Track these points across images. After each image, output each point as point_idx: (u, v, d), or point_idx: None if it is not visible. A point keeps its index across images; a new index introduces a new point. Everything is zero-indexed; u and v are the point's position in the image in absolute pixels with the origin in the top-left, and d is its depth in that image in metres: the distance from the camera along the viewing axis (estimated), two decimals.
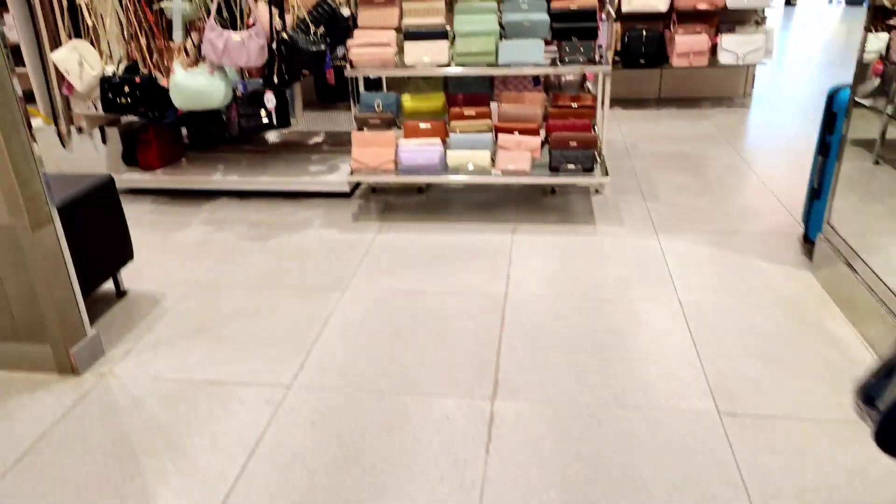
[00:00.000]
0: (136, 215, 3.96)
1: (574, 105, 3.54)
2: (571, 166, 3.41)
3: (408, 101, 3.63)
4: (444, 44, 3.42)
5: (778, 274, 2.98)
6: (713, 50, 5.41)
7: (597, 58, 3.37)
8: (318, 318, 2.79)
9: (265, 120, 3.69)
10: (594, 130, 3.57)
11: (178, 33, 3.62)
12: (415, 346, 2.57)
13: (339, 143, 4.61)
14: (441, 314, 2.78)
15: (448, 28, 3.48)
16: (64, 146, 4.26)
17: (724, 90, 6.13)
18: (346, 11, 3.65)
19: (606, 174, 3.48)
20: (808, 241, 3.11)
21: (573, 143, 3.38)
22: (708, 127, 5.31)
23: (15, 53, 4.22)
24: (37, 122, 4.26)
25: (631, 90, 6.13)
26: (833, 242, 2.75)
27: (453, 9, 3.52)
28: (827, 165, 2.80)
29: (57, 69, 3.79)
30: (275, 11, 3.51)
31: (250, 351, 2.59)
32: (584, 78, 4.21)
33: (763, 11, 5.54)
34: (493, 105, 3.77)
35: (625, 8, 5.42)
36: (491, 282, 3.02)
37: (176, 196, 4.22)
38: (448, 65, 3.46)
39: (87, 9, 3.73)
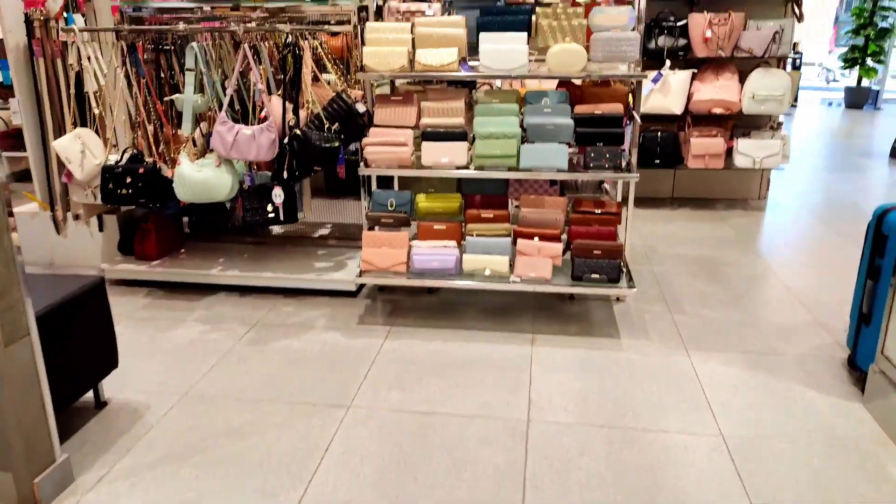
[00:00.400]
0: (127, 310, 3.71)
1: (598, 211, 3.37)
2: (596, 276, 3.20)
3: (422, 201, 3.46)
4: (463, 145, 3.28)
5: (826, 406, 2.71)
6: (729, 152, 5.33)
7: (623, 164, 3.23)
8: (318, 442, 2.50)
9: (271, 215, 3.50)
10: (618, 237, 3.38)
11: (187, 125, 3.49)
12: (427, 481, 2.27)
13: (346, 237, 4.42)
14: (456, 442, 2.49)
15: (467, 129, 3.35)
16: (58, 232, 4.07)
17: (739, 192, 6.02)
18: (361, 108, 3.54)
19: (633, 286, 3.27)
20: (856, 368, 2.85)
21: (597, 252, 3.18)
22: (726, 230, 5.15)
23: (17, 137, 4.12)
24: (32, 207, 4.09)
25: (645, 189, 6.01)
26: (889, 375, 2.50)
27: (473, 109, 3.40)
28: (878, 291, 2.58)
29: (58, 156, 3.64)
30: (289, 106, 3.40)
31: (241, 481, 2.29)
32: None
33: (779, 117, 5.50)
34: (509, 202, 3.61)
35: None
36: (510, 404, 2.74)
37: (172, 289, 3.98)
38: (467, 166, 3.31)
39: (96, 97, 3.62)
